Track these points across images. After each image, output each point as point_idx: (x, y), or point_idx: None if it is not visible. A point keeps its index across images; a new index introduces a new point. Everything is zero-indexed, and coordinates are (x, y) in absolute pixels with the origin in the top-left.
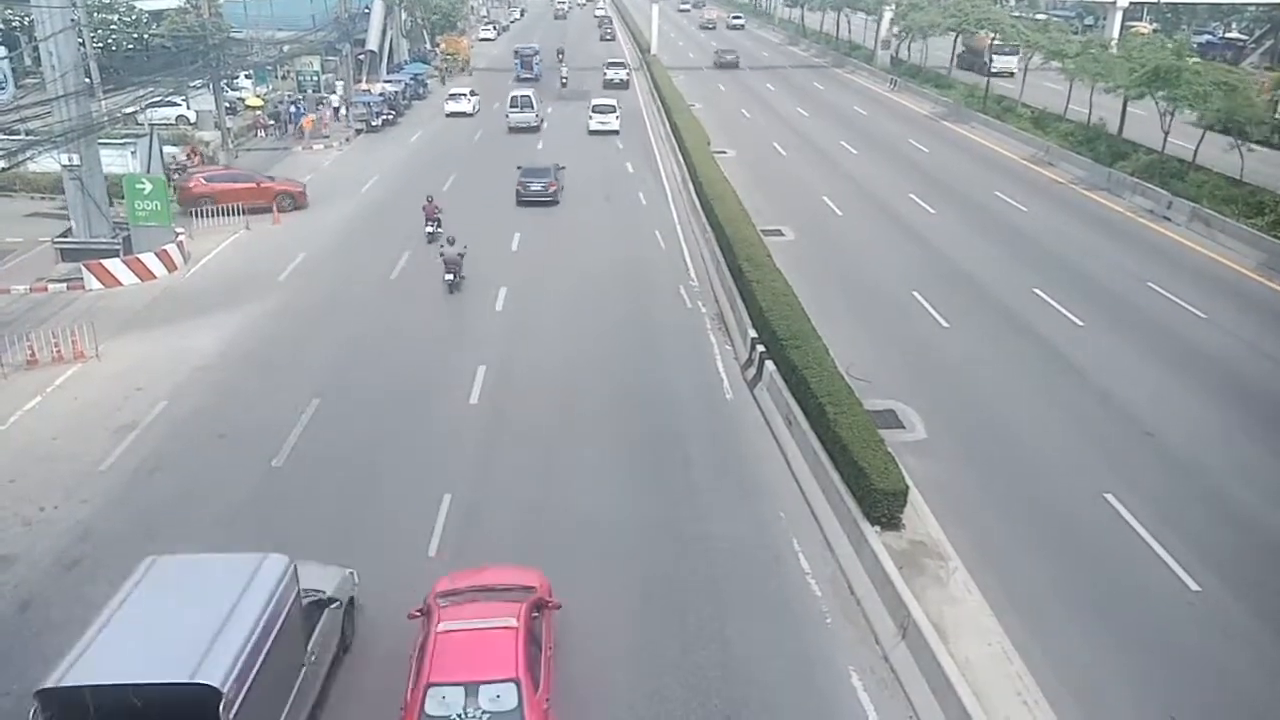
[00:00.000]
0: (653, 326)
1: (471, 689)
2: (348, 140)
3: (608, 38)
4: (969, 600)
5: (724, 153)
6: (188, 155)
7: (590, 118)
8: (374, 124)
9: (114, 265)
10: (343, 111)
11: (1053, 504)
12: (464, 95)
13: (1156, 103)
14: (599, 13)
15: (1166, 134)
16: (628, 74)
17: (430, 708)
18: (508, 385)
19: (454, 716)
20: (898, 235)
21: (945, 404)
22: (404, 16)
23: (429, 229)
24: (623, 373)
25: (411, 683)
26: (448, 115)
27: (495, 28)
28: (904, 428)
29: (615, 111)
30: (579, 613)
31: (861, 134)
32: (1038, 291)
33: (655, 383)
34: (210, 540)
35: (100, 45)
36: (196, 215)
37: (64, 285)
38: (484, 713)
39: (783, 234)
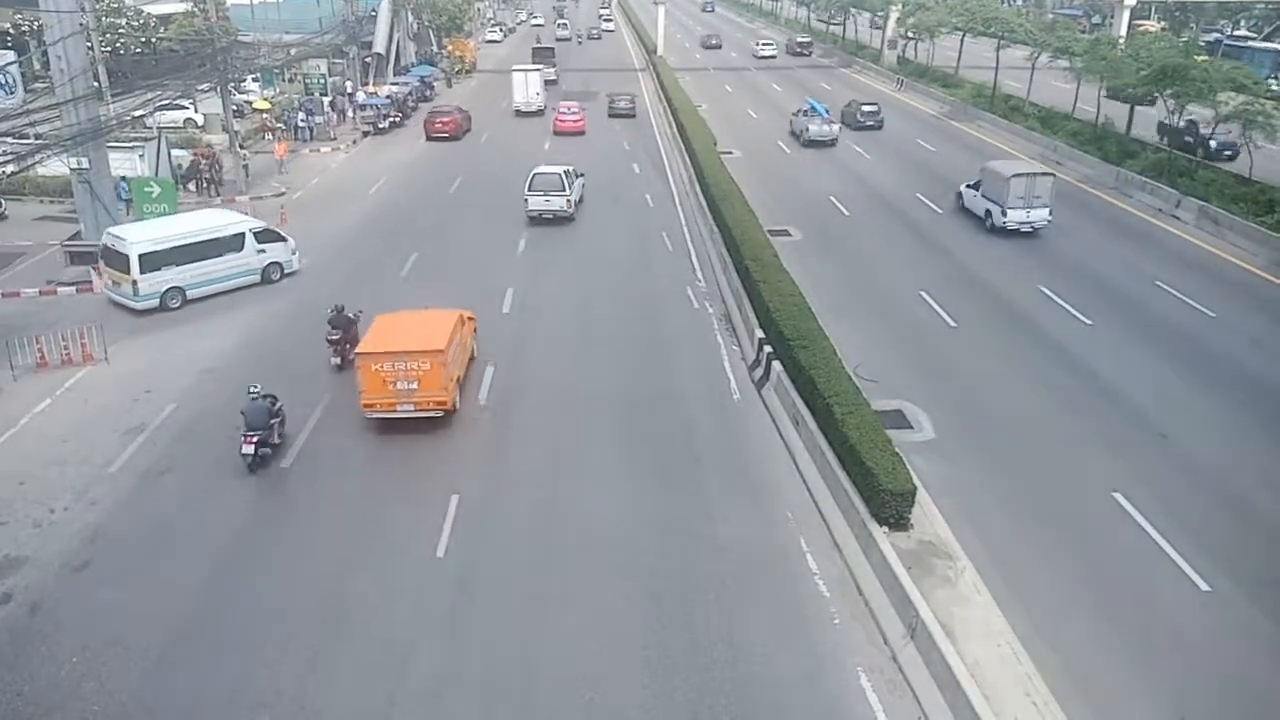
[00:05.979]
0: (660, 327)
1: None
2: (355, 143)
3: (604, 9)
4: (978, 600)
5: (730, 153)
6: (198, 156)
7: (600, 22)
8: (381, 126)
9: None
10: (350, 113)
11: (1062, 504)
12: (538, 15)
13: (1165, 102)
14: None
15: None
16: (610, 13)
17: (560, 113)
18: (516, 388)
19: (565, 108)
20: (905, 235)
21: (953, 404)
22: (411, 19)
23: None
24: (630, 373)
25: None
26: (532, 26)
27: (502, 30)
28: (912, 428)
29: (613, 21)
30: (583, 612)
31: (868, 134)
32: (1045, 290)
33: (662, 383)
34: (216, 545)
35: (108, 49)
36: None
37: (73, 288)
38: (575, 112)
39: (790, 234)
